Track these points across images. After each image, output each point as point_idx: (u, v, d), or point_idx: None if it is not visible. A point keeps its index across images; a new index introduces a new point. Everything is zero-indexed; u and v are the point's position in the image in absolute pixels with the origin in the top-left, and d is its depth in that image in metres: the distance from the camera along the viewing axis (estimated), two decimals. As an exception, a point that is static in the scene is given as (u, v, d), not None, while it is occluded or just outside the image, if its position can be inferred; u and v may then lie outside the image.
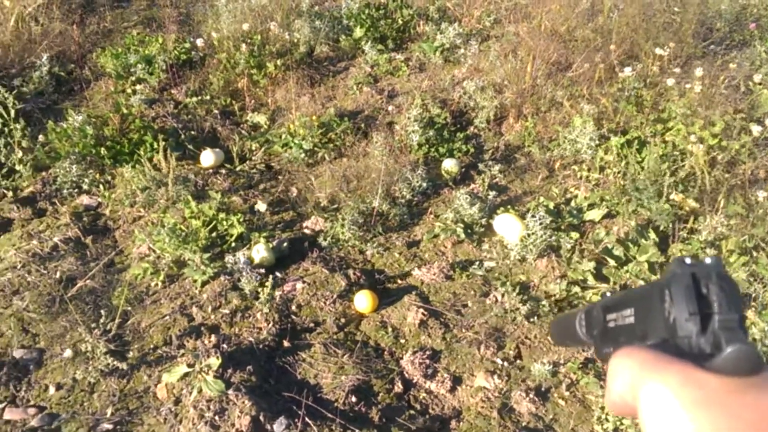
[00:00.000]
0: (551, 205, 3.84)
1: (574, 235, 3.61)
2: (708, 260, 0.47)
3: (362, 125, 4.61)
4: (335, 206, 3.95)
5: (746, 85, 4.66)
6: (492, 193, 3.94)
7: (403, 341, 3.14)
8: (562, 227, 3.70)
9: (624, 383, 0.47)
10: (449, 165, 4.18)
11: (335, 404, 2.78)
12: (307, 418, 2.66)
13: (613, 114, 4.40)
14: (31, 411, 2.70)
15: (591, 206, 3.83)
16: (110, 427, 2.63)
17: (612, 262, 3.40)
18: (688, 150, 3.92)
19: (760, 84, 4.53)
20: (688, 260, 0.47)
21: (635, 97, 4.48)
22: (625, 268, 3.37)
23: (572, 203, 3.90)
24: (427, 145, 4.36)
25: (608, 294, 0.62)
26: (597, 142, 4.13)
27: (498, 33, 5.61)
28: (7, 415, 2.68)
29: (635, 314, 0.53)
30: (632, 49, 5.07)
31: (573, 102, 4.56)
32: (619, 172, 3.98)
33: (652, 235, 3.53)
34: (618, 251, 3.45)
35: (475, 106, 4.72)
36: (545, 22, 5.23)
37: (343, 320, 3.21)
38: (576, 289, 3.33)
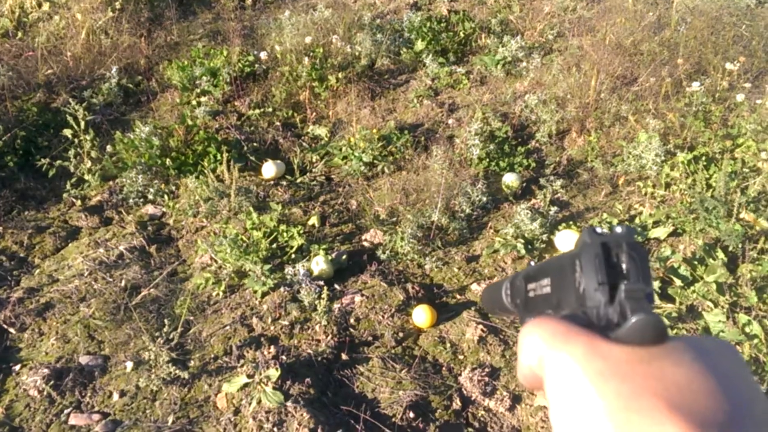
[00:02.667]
0: (615, 222, 3.76)
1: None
2: (619, 229, 0.46)
3: (422, 138, 4.61)
4: (394, 219, 3.95)
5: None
6: (553, 209, 3.88)
7: (461, 357, 3.11)
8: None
9: (533, 354, 0.46)
10: (510, 179, 4.14)
11: (393, 419, 2.76)
12: (364, 433, 2.66)
13: (679, 129, 4.29)
14: (95, 417, 2.76)
15: (656, 224, 3.74)
16: (171, 434, 2.67)
17: (678, 282, 3.31)
18: (759, 167, 3.80)
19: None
20: (599, 229, 0.46)
21: (703, 112, 4.36)
22: (692, 288, 3.27)
23: (636, 220, 3.81)
24: (487, 159, 4.33)
25: (532, 263, 0.61)
26: (663, 158, 4.03)
27: (561, 46, 5.54)
28: (72, 421, 2.75)
29: (551, 284, 0.52)
30: (700, 63, 4.94)
31: (638, 117, 4.47)
32: (686, 189, 3.88)
33: (721, 254, 3.42)
34: (684, 270, 3.35)
35: (536, 120, 4.67)
36: (610, 35, 5.14)
37: (401, 334, 3.20)
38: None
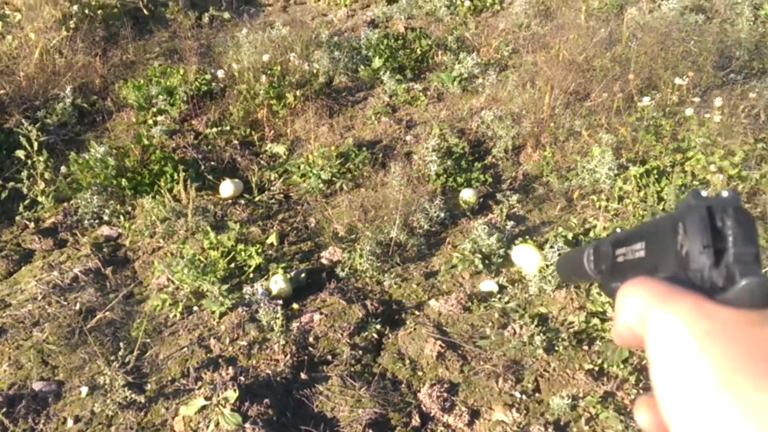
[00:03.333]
0: (570, 236, 3.82)
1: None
2: (725, 193, 0.45)
3: (380, 155, 4.63)
4: (353, 236, 3.96)
5: (766, 114, 4.62)
6: (510, 223, 3.92)
7: (420, 373, 3.13)
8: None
9: (632, 313, 0.45)
10: (467, 195, 4.18)
11: (352, 438, 2.76)
12: (323, 453, 2.65)
13: (631, 143, 4.39)
14: (49, 443, 2.71)
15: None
16: (127, 460, 2.63)
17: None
18: (708, 180, 3.89)
19: (780, 113, 4.50)
20: (704, 193, 0.46)
21: (654, 126, 4.46)
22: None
23: (591, 233, 3.88)
24: (445, 175, 4.36)
25: (618, 230, 0.60)
26: (616, 171, 4.11)
27: (516, 63, 5.63)
28: (25, 448, 2.69)
29: (646, 248, 0.51)
30: (651, 78, 5.06)
31: (591, 131, 4.55)
32: (638, 203, 3.96)
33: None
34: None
35: (493, 135, 4.73)
36: (563, 51, 5.23)
37: (360, 352, 3.20)
38: (595, 320, 3.29)
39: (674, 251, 0.46)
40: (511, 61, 5.69)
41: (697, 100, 4.63)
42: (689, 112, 4.39)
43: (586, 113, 4.75)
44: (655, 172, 4.08)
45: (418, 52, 5.86)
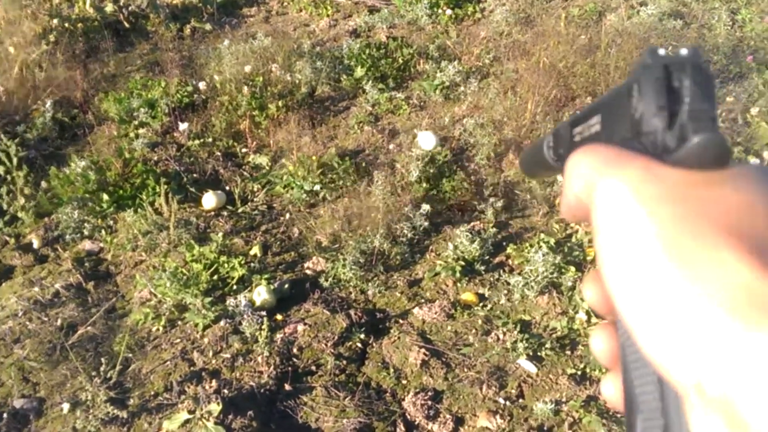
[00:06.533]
0: (552, 241, 3.83)
1: (574, 271, 3.60)
2: (684, 51, 0.42)
3: (363, 164, 4.64)
4: (336, 246, 3.96)
5: (744, 118, 4.67)
6: (493, 230, 3.94)
7: (404, 382, 3.12)
8: (563, 264, 3.68)
9: (581, 181, 0.43)
10: (426, 141, 4.38)
11: (336, 449, 2.75)
12: (307, 464, 2.64)
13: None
14: (31, 461, 2.69)
15: (591, 242, 3.82)
16: (110, 476, 2.62)
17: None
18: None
19: (757, 117, 4.54)
20: (661, 51, 0.42)
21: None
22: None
23: (573, 239, 3.89)
24: (428, 183, 4.37)
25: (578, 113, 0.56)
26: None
27: (497, 70, 5.65)
28: (6, 466, 2.67)
29: (602, 120, 0.47)
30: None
31: (572, 137, 4.57)
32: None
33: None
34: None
35: (475, 143, 4.74)
36: (544, 58, 5.27)
37: (344, 362, 3.19)
38: (577, 325, 3.31)
39: (628, 116, 0.42)
40: (493, 69, 5.72)
41: (676, 104, 4.66)
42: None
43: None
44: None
45: (400, 61, 5.88)
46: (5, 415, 2.87)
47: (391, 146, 4.87)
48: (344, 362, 3.20)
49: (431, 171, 4.41)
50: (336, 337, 3.31)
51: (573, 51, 5.35)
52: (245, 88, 5.26)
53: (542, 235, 3.91)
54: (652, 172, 0.39)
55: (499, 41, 6.09)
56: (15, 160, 4.02)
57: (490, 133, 4.64)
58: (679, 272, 0.35)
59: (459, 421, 2.91)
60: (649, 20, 5.87)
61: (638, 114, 0.41)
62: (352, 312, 3.48)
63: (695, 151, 0.38)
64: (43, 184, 4.25)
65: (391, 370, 3.18)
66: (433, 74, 5.60)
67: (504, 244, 3.90)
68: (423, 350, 3.22)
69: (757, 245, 0.35)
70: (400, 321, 3.47)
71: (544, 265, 3.52)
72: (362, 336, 3.34)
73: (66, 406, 2.91)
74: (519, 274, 3.64)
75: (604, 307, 0.45)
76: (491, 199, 4.18)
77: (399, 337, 3.34)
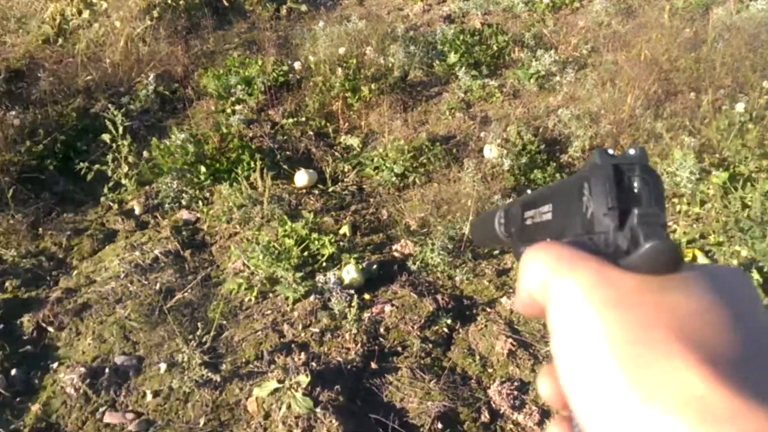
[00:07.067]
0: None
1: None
2: (632, 151, 0.43)
3: (454, 150, 4.63)
4: (425, 230, 3.96)
5: None
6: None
7: (490, 370, 3.11)
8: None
9: (534, 279, 0.43)
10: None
11: (421, 430, 2.77)
12: (393, 442, 2.67)
13: (716, 148, 4.26)
14: (129, 416, 2.81)
15: (690, 242, 3.71)
16: (202, 437, 2.71)
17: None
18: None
19: None
20: (610, 151, 0.43)
21: (740, 130, 4.33)
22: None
23: (671, 238, 3.79)
24: (518, 172, 4.33)
25: (529, 191, 0.57)
26: (698, 175, 4.00)
27: (595, 61, 5.53)
28: (107, 419, 2.80)
29: (553, 210, 0.48)
30: (738, 80, 4.91)
31: (673, 134, 4.44)
32: (721, 209, 3.85)
33: (756, 275, 3.39)
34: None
35: (569, 134, 4.67)
36: (645, 51, 5.13)
37: (430, 345, 3.21)
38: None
39: (580, 213, 0.43)
40: (591, 60, 5.60)
41: (786, 104, 4.47)
42: (778, 116, 4.25)
43: (668, 115, 4.64)
44: (739, 177, 3.96)
45: (495, 48, 5.82)
46: (107, 370, 3.00)
47: (482, 134, 4.83)
48: (430, 346, 3.21)
49: (523, 161, 4.36)
50: (422, 321, 3.32)
51: (676, 44, 5.19)
52: (339, 70, 5.31)
53: (637, 232, 3.81)
54: (605, 275, 0.39)
55: (598, 32, 5.96)
56: (120, 129, 4.17)
57: (586, 125, 4.56)
58: (630, 382, 0.35)
59: (545, 414, 2.89)
60: (759, 15, 5.62)
61: (589, 213, 0.42)
62: (439, 297, 3.48)
63: (647, 258, 0.39)
64: (145, 153, 4.40)
65: (477, 357, 3.17)
66: (528, 63, 5.53)
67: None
68: (510, 340, 3.20)
69: (709, 354, 0.35)
70: (488, 309, 3.46)
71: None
72: (449, 321, 3.34)
73: (163, 366, 3.03)
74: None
75: (558, 401, 0.45)
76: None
77: (486, 325, 3.33)
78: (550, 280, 0.41)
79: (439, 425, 2.79)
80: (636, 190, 0.41)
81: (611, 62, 5.28)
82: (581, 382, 0.37)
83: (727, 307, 0.38)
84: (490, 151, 4.44)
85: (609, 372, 0.36)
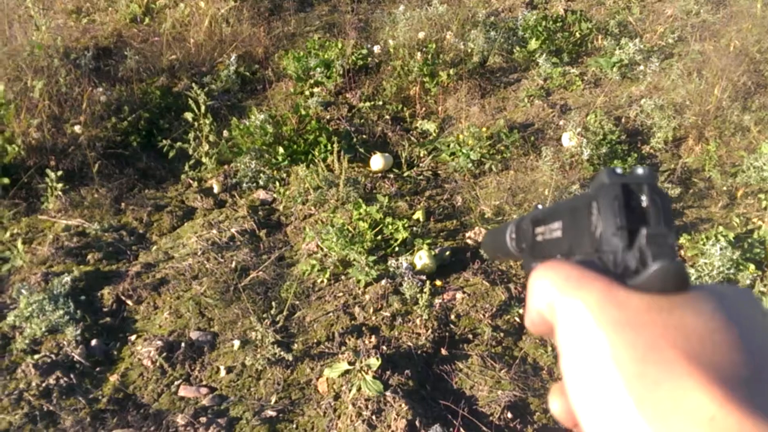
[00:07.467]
0: (731, 236, 3.61)
1: (753, 269, 3.37)
2: (640, 170, 0.42)
3: (531, 138, 4.56)
4: (500, 218, 3.93)
5: None
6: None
7: (562, 362, 3.07)
8: (741, 260, 3.46)
9: (543, 299, 0.43)
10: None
11: (490, 418, 2.76)
12: (462, 429, 2.67)
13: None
14: (203, 390, 2.89)
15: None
16: (274, 414, 2.76)
17: (798, 303, 3.15)
18: None
19: None
20: (618, 170, 0.43)
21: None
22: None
23: (755, 235, 3.65)
24: (598, 162, 4.23)
25: (539, 207, 0.58)
26: (787, 171, 3.84)
27: (682, 51, 5.34)
28: (181, 392, 2.88)
29: (563, 228, 0.48)
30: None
31: (762, 127, 4.27)
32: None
33: None
34: (806, 291, 3.19)
35: (652, 125, 4.53)
36: (735, 41, 4.92)
37: (501, 334, 3.18)
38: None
39: (589, 232, 0.43)
40: (677, 50, 5.42)
41: None
42: None
43: (758, 108, 4.45)
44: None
45: (577, 35, 5.69)
46: (183, 345, 3.09)
47: (561, 122, 4.74)
48: (501, 334, 3.19)
49: (603, 151, 4.26)
50: (494, 309, 3.30)
51: (769, 35, 4.97)
52: (418, 54, 5.28)
53: (720, 228, 3.68)
54: (613, 295, 0.39)
55: (686, 20, 5.75)
56: (203, 108, 4.27)
57: (669, 116, 4.42)
58: (640, 403, 0.35)
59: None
60: None
61: (598, 232, 0.42)
62: (511, 285, 3.45)
63: (655, 278, 0.39)
64: (225, 133, 4.49)
65: (549, 348, 3.13)
66: (612, 51, 5.39)
67: (677, 233, 3.72)
68: (583, 332, 3.15)
69: (719, 374, 0.35)
70: (561, 300, 3.40)
71: (720, 260, 3.33)
72: (521, 311, 3.31)
73: (237, 343, 3.10)
74: (692, 266, 3.47)
75: (569, 420, 0.45)
76: (665, 185, 3.99)
77: (558, 317, 3.27)
78: (558, 300, 0.42)
79: (509, 414, 2.77)
80: (645, 210, 0.41)
81: (698, 52, 5.09)
82: (590, 403, 0.38)
83: (736, 326, 0.38)
84: (569, 140, 4.36)
85: (618, 393, 0.36)
